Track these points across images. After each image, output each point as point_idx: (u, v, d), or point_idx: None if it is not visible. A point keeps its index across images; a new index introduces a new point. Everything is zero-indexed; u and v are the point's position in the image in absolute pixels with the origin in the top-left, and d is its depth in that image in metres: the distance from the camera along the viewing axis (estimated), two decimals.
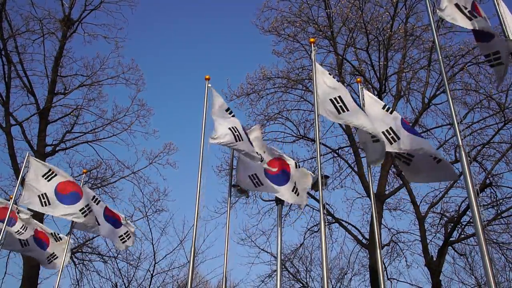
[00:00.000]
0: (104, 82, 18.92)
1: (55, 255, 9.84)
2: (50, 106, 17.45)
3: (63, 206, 9.08)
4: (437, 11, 5.93)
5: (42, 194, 9.11)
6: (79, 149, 19.22)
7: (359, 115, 7.05)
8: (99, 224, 9.74)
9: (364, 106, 7.51)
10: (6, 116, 16.59)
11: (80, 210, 9.11)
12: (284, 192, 8.20)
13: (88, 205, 9.24)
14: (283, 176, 8.16)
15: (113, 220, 9.99)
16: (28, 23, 17.71)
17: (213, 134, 7.40)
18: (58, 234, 10.09)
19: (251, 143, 7.78)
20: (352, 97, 7.33)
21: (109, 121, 18.64)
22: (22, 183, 9.56)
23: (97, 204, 9.77)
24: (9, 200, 9.69)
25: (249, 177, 8.29)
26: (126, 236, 10.09)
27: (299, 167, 8.47)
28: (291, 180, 8.21)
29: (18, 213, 9.47)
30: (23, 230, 9.38)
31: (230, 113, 8.13)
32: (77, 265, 17.39)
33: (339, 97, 7.13)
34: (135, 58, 31.26)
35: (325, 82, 7.27)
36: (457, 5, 5.80)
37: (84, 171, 11.80)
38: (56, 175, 9.33)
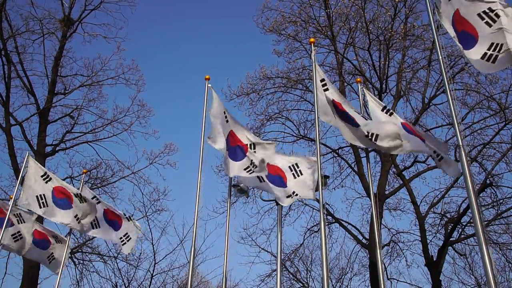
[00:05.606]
0: (104, 82, 18.96)
1: (54, 256, 9.81)
2: (50, 106, 17.44)
3: (59, 210, 9.09)
4: (436, 12, 5.92)
5: (40, 195, 9.11)
6: (79, 149, 19.27)
7: (343, 128, 7.30)
8: (99, 227, 9.70)
9: (367, 107, 7.55)
10: (6, 116, 16.60)
11: (75, 217, 9.12)
12: (281, 195, 8.13)
13: (76, 215, 9.18)
14: (280, 179, 8.06)
15: (113, 222, 9.91)
16: (28, 23, 17.79)
17: (210, 133, 7.49)
18: (59, 236, 10.05)
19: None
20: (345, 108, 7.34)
21: (109, 121, 18.69)
22: (22, 183, 9.54)
23: (97, 203, 9.70)
24: (9, 201, 9.68)
25: None
26: (126, 238, 9.93)
27: (299, 175, 8.06)
28: (288, 186, 8.09)
29: (16, 215, 9.48)
30: (19, 236, 9.42)
31: (225, 117, 7.97)
32: (77, 265, 17.40)
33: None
34: (135, 58, 31.34)
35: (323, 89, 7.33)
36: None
37: (84, 171, 11.79)
38: (51, 179, 9.34)
